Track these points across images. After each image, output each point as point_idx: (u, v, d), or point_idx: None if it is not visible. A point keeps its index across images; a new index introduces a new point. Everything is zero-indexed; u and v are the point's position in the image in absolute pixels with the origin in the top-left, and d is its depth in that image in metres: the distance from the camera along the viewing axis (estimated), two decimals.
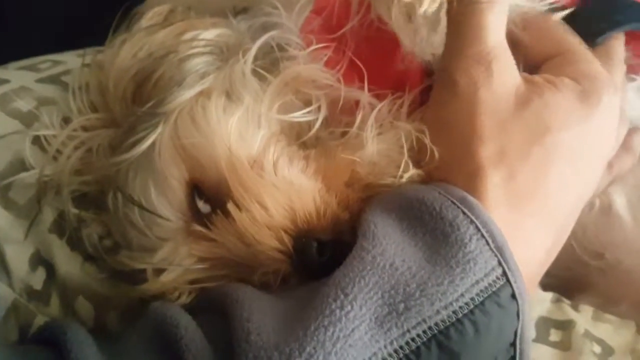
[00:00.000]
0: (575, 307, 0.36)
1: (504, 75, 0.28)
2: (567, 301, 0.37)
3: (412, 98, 0.32)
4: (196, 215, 0.29)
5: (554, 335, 0.34)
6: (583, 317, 0.35)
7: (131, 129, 0.29)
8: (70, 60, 0.38)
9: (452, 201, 0.25)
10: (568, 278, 0.39)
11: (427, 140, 0.28)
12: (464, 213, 0.24)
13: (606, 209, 0.37)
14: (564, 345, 0.34)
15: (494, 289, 0.23)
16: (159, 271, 0.28)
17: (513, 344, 0.24)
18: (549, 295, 0.36)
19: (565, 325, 0.35)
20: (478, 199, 0.25)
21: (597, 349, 0.34)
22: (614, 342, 0.34)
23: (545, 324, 0.34)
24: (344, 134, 0.31)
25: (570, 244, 0.31)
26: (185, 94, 0.30)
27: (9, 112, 0.33)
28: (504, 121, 0.27)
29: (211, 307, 0.25)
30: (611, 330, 0.35)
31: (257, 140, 0.30)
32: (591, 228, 0.37)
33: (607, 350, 0.34)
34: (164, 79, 0.30)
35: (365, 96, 0.31)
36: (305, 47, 0.33)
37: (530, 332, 0.25)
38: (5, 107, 0.33)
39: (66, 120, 0.32)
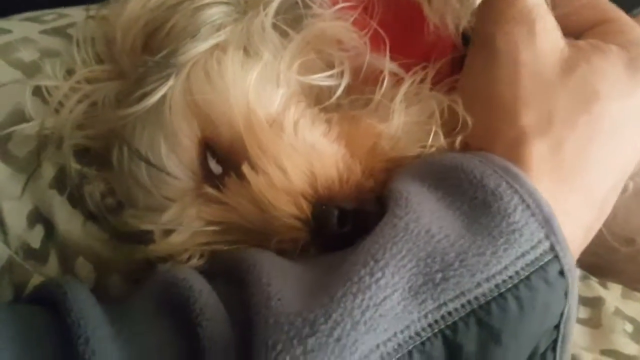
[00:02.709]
0: (603, 285, 0.35)
1: (547, 36, 0.26)
2: (594, 278, 0.36)
3: (437, 69, 0.30)
4: (207, 176, 0.27)
5: (583, 313, 0.33)
6: (612, 295, 0.34)
7: (140, 81, 0.27)
8: (76, 14, 0.36)
9: (493, 169, 0.23)
10: (594, 263, 0.37)
11: (459, 109, 0.26)
12: (507, 182, 0.22)
13: None
14: (594, 323, 0.32)
15: (541, 263, 0.21)
16: (168, 232, 0.26)
17: (557, 326, 0.22)
18: (576, 272, 0.35)
19: (594, 303, 0.33)
20: (520, 169, 0.23)
21: (629, 327, 0.32)
22: None
23: None
24: (366, 103, 0.29)
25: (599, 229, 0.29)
26: (200, 46, 0.28)
27: (10, 62, 0.31)
28: (549, 86, 0.25)
29: (225, 272, 0.23)
30: None
31: (276, 99, 0.27)
32: (622, 212, 0.35)
33: None
34: (177, 30, 0.28)
35: (390, 65, 0.29)
36: (331, 5, 0.30)
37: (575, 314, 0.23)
38: (7, 56, 0.31)
39: (70, 72, 0.30)
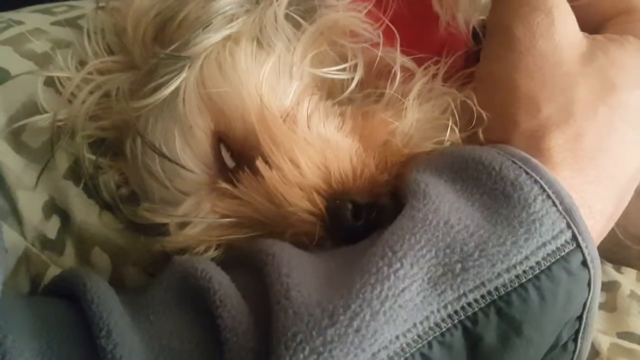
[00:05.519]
0: (618, 269, 0.35)
1: (565, 24, 0.25)
2: (609, 264, 0.36)
3: (449, 64, 0.29)
4: (222, 170, 0.27)
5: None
6: (627, 279, 0.34)
7: (152, 73, 0.27)
8: (87, 6, 0.36)
9: (512, 160, 0.23)
10: (606, 258, 0.37)
11: (473, 105, 0.26)
12: (527, 173, 0.22)
13: None
14: (610, 306, 0.33)
15: (562, 253, 0.21)
16: (183, 225, 0.26)
17: (580, 317, 0.22)
18: (599, 263, 0.35)
19: (610, 287, 0.33)
20: (540, 161, 0.23)
21: None
22: None
23: None
24: (379, 97, 0.29)
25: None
26: (212, 38, 0.27)
27: (23, 53, 0.31)
28: (568, 77, 0.25)
29: (243, 263, 0.23)
30: None
31: (289, 93, 0.27)
32: (634, 212, 0.35)
33: None
34: (189, 21, 0.28)
35: (403, 59, 0.29)
36: None
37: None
38: (19, 47, 0.31)
39: (82, 64, 0.30)
